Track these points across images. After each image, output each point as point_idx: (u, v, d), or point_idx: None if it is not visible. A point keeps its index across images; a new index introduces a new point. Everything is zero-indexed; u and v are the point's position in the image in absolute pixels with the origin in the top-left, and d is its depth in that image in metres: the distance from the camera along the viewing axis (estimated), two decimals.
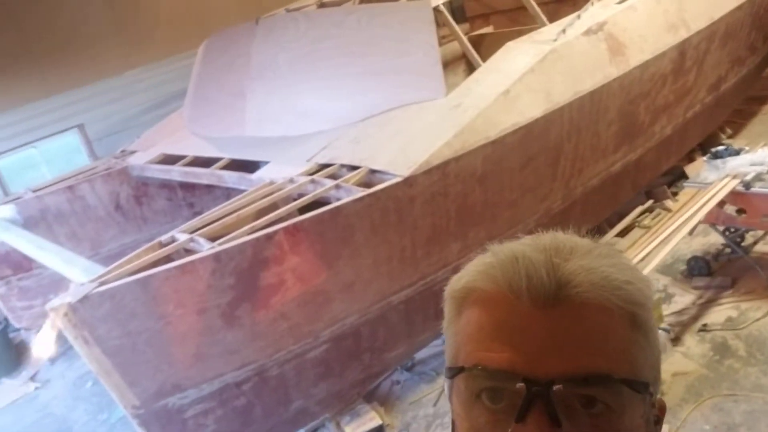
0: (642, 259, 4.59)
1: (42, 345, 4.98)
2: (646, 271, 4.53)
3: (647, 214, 6.14)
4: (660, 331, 3.82)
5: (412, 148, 4.09)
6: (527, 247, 0.76)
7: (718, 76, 6.56)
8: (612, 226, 5.91)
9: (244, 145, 5.01)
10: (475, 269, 0.77)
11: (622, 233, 5.88)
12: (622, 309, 0.71)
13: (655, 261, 4.56)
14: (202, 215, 4.03)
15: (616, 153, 5.42)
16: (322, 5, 5.38)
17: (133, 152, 5.76)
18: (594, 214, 5.58)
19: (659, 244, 4.74)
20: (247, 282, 3.52)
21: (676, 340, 4.43)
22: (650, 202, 6.22)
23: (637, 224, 6.00)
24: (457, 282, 0.80)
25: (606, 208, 5.71)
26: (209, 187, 5.33)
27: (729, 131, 7.41)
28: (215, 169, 4.79)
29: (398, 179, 3.88)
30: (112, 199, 5.47)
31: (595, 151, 5.19)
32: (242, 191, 4.32)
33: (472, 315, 0.75)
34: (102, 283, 3.26)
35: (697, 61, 6.04)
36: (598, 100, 4.99)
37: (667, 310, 4.68)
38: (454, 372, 0.75)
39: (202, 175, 4.90)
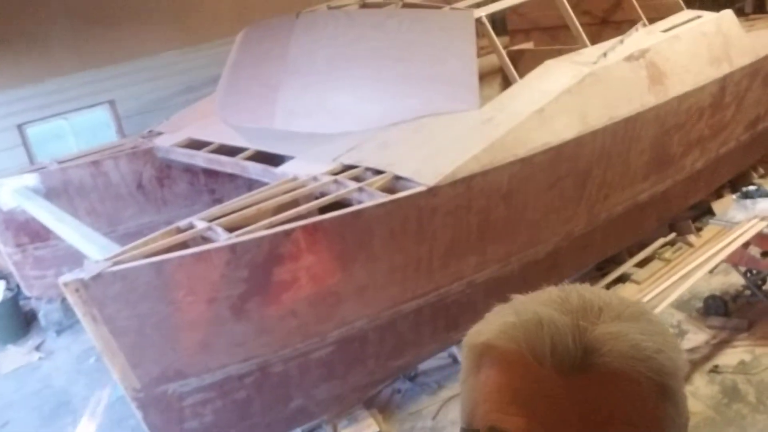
0: (659, 293, 4.52)
1: None
2: (662, 306, 4.45)
3: (669, 246, 6.04)
4: None
5: (439, 158, 4.05)
6: (552, 307, 0.71)
7: (756, 115, 6.44)
8: (632, 255, 5.82)
9: (271, 138, 5.00)
10: (496, 327, 0.73)
11: (641, 263, 5.79)
12: (651, 380, 0.68)
13: (673, 296, 4.48)
14: (222, 204, 4.01)
15: (644, 182, 5.34)
16: (364, 5, 5.35)
17: (160, 133, 5.78)
18: (615, 241, 5.50)
19: (678, 279, 4.67)
20: (260, 276, 3.50)
21: (685, 379, 4.34)
22: (673, 234, 6.12)
23: (657, 256, 5.91)
24: (476, 336, 0.75)
25: (628, 236, 5.62)
26: (232, 176, 5.32)
27: (761, 171, 7.27)
28: (240, 159, 4.78)
29: (422, 188, 3.83)
30: (135, 178, 5.48)
31: (624, 179, 5.11)
32: (265, 184, 4.30)
33: (491, 374, 0.71)
34: (116, 263, 3.25)
35: (737, 97, 5.93)
36: (632, 128, 4.91)
37: None
38: None
39: (227, 164, 4.89)
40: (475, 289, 4.40)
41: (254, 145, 4.89)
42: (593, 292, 0.74)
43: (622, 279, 5.58)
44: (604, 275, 5.58)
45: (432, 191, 3.86)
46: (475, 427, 0.70)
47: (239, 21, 6.43)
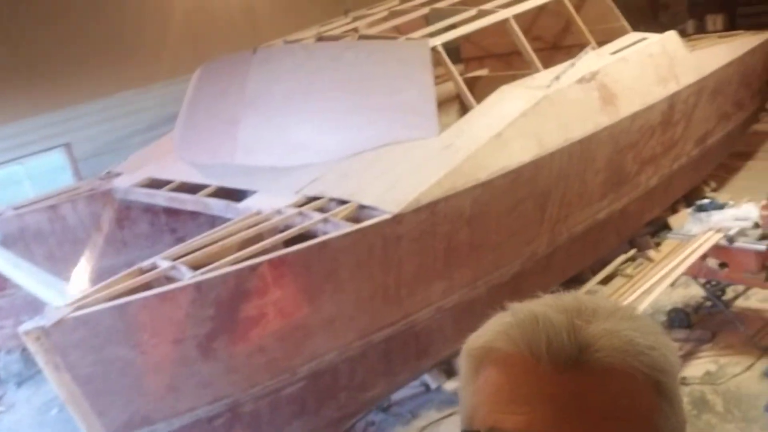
0: None
1: None
2: None
3: (630, 262, 6.17)
4: None
5: (402, 186, 4.08)
6: (548, 307, 0.73)
7: (705, 130, 6.66)
8: (595, 273, 5.92)
9: (232, 173, 4.97)
10: (493, 329, 0.75)
11: (605, 281, 5.89)
12: (645, 375, 0.69)
13: (638, 311, 4.55)
14: (186, 242, 3.96)
15: (602, 201, 5.45)
16: (320, 39, 5.40)
17: (118, 174, 5.70)
18: (578, 260, 5.58)
19: (641, 295, 4.75)
20: (227, 313, 3.45)
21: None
22: (633, 251, 6.25)
23: (619, 273, 6.02)
24: (475, 340, 0.77)
25: (590, 255, 5.72)
26: (194, 214, 5.27)
27: (713, 185, 7.50)
28: (201, 196, 4.74)
29: (387, 216, 3.85)
30: (93, 221, 5.38)
31: (582, 198, 5.21)
32: (228, 219, 4.27)
33: (490, 376, 0.73)
34: (78, 308, 3.17)
35: (685, 114, 6.13)
36: (587, 148, 5.03)
37: None
38: None
39: (188, 201, 4.84)
40: (444, 314, 4.41)
41: (215, 182, 4.86)
42: (587, 297, 0.77)
43: None
44: None
45: (397, 219, 3.88)
46: (475, 429, 0.71)
47: (194, 59, 6.42)
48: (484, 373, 0.73)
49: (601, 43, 5.80)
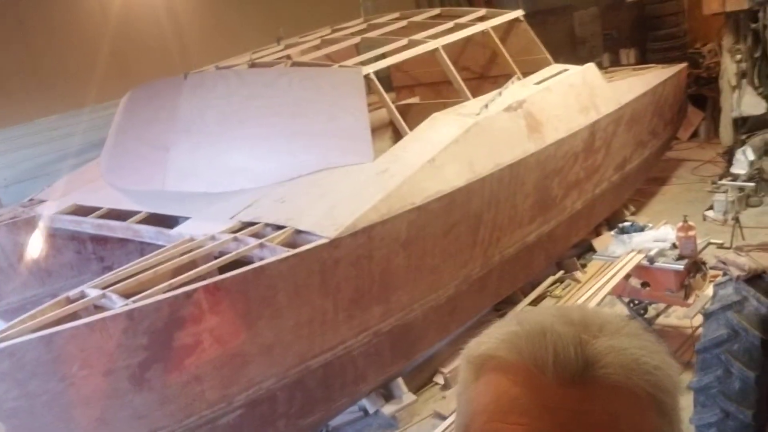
0: None
1: None
2: None
3: (558, 284, 6.37)
4: None
5: (338, 211, 4.10)
6: (555, 319, 0.73)
7: (623, 157, 7.01)
8: (525, 294, 6.08)
9: (163, 200, 4.86)
10: (497, 336, 0.74)
11: (535, 302, 6.05)
12: (650, 395, 0.69)
13: None
14: (116, 270, 3.85)
15: (531, 224, 5.63)
16: (253, 65, 5.40)
17: (42, 201, 5.47)
18: (510, 282, 5.73)
19: None
20: (160, 342, 3.36)
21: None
22: (561, 272, 6.46)
23: (548, 294, 6.21)
24: (476, 347, 0.75)
25: (521, 276, 5.88)
26: (122, 241, 5.11)
27: (632, 208, 7.87)
28: (132, 223, 4.61)
29: (324, 240, 3.86)
30: (16, 250, 5.12)
31: (513, 222, 5.37)
32: (160, 247, 4.16)
33: (489, 384, 0.71)
34: (1, 340, 3.02)
35: (605, 141, 6.43)
36: (516, 173, 5.20)
37: None
38: None
39: (117, 229, 4.70)
40: (381, 338, 4.43)
41: (146, 208, 4.74)
42: (592, 310, 0.77)
43: None
44: (501, 315, 5.77)
45: (334, 243, 3.89)
46: None
47: (122, 84, 6.29)
48: (484, 381, 0.72)
49: (525, 74, 6.04)
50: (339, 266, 3.98)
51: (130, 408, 3.35)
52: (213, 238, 4.05)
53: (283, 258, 3.69)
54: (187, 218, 4.48)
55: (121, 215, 4.78)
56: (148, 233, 4.49)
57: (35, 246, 5.14)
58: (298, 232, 3.97)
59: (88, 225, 4.89)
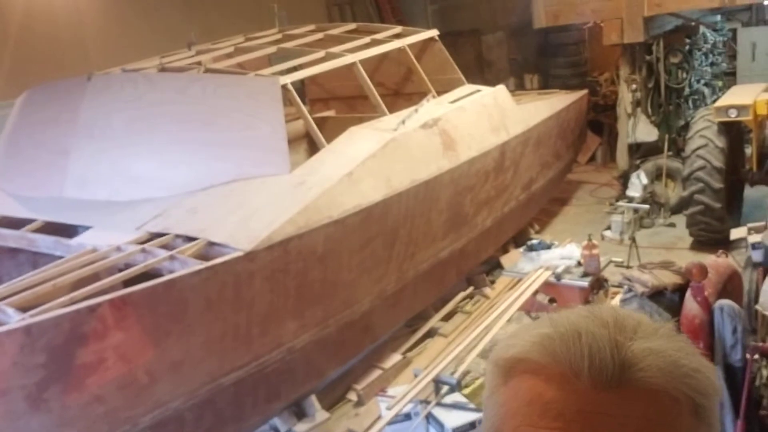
0: (466, 345, 4.79)
1: None
2: (471, 357, 4.71)
3: (468, 300, 6.47)
4: None
5: (254, 223, 3.98)
6: (588, 320, 0.70)
7: (530, 177, 7.25)
8: (437, 310, 6.13)
9: (62, 207, 4.55)
10: (529, 339, 0.71)
11: (446, 317, 6.12)
12: (689, 398, 0.67)
13: (480, 347, 4.78)
14: (9, 282, 3.55)
15: (444, 240, 5.70)
16: (163, 69, 5.18)
17: None
18: (423, 297, 5.76)
19: (482, 331, 4.99)
20: (60, 360, 3.12)
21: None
22: (471, 288, 6.58)
23: (459, 309, 6.29)
24: (505, 350, 0.72)
25: (434, 292, 5.93)
26: (12, 251, 4.72)
27: (537, 227, 8.15)
28: (26, 232, 4.28)
29: (239, 253, 3.73)
30: None
31: (427, 237, 5.41)
32: (58, 257, 3.89)
33: (521, 388, 0.69)
34: None
35: (514, 161, 6.63)
36: (431, 189, 5.25)
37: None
38: None
39: (9, 237, 4.34)
40: (295, 355, 4.32)
41: (42, 216, 4.41)
42: (624, 311, 0.74)
43: (431, 333, 5.84)
44: (414, 331, 5.79)
45: (249, 256, 3.76)
46: None
47: (17, 84, 5.88)
48: (514, 385, 0.70)
49: (439, 93, 6.14)
50: (254, 280, 3.85)
51: (25, 431, 3.08)
52: (118, 249, 3.82)
53: (195, 271, 3.53)
54: (88, 227, 4.21)
55: (15, 223, 4.43)
56: (45, 243, 4.17)
57: None
58: (211, 244, 3.82)
59: None
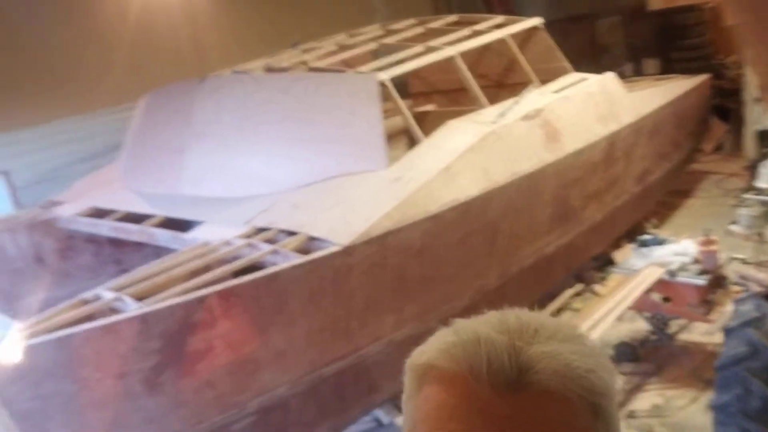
0: None
1: None
2: None
3: (577, 297, 6.29)
4: None
5: (352, 218, 4.07)
6: (491, 327, 0.75)
7: (644, 168, 6.91)
8: (543, 307, 6.00)
9: (179, 204, 4.88)
10: (437, 346, 0.76)
11: (553, 315, 5.98)
12: (583, 399, 0.70)
13: None
14: (131, 273, 3.85)
15: (550, 235, 5.56)
16: (269, 69, 5.41)
17: (60, 203, 5.51)
18: (527, 293, 5.66)
19: (589, 329, 4.84)
20: (173, 346, 3.35)
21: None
22: (580, 285, 6.38)
23: (567, 307, 6.13)
24: (419, 356, 0.78)
25: (539, 288, 5.81)
26: (139, 245, 5.12)
27: (654, 221, 7.75)
28: (147, 226, 4.63)
29: (337, 248, 3.83)
30: (34, 251, 5.17)
31: (530, 232, 5.31)
32: (174, 251, 4.17)
33: (430, 393, 0.74)
34: (15, 340, 3.03)
35: (625, 152, 6.35)
36: (534, 183, 5.15)
37: None
38: None
39: (133, 232, 4.72)
40: (395, 348, 4.38)
41: (162, 212, 4.76)
42: (530, 315, 0.79)
43: None
44: None
45: (347, 250, 3.86)
46: None
47: (139, 87, 6.33)
48: (426, 390, 0.75)
49: (543, 82, 5.99)
50: (352, 274, 3.95)
51: (142, 412, 3.34)
52: (227, 242, 4.04)
53: (295, 264, 3.67)
54: (201, 222, 4.48)
55: (138, 218, 4.80)
56: (163, 237, 4.50)
57: (53, 248, 5.18)
58: (312, 238, 3.95)
59: (105, 227, 4.92)
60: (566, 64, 6.43)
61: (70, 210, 5.28)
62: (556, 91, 5.93)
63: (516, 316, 0.78)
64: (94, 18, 7.72)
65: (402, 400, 0.80)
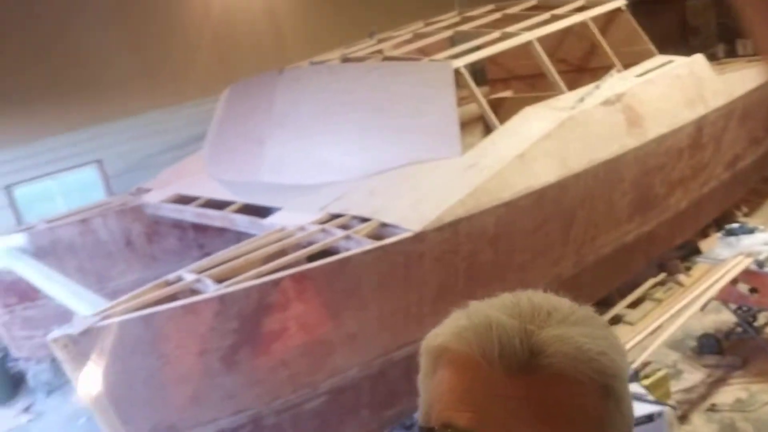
0: (652, 332, 4.52)
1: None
2: (654, 345, 4.45)
3: (659, 286, 6.07)
4: (666, 408, 3.72)
5: (424, 204, 4.10)
6: (503, 310, 0.76)
7: (734, 154, 6.58)
8: (623, 296, 5.84)
9: (258, 191, 5.05)
10: (450, 330, 0.77)
11: (633, 305, 5.81)
12: (594, 381, 0.71)
13: (665, 335, 4.49)
14: (211, 256, 4.03)
15: (630, 223, 5.40)
16: (346, 60, 5.49)
17: (148, 190, 5.82)
18: (605, 282, 5.52)
19: (670, 318, 4.67)
20: (249, 326, 3.49)
21: (683, 418, 4.31)
22: (663, 275, 6.16)
23: (648, 296, 5.93)
24: (433, 339, 0.80)
25: (617, 277, 5.65)
26: (221, 230, 5.35)
27: (745, 209, 7.38)
28: (228, 212, 4.82)
29: (409, 234, 3.87)
30: (124, 235, 5.49)
31: (609, 220, 5.17)
32: (253, 236, 4.33)
33: (444, 375, 0.76)
34: (105, 317, 3.24)
35: (714, 137, 6.07)
36: (613, 170, 5.01)
37: (675, 386, 4.57)
38: None
39: (215, 218, 4.93)
40: None
41: (241, 198, 4.94)
42: (543, 297, 0.79)
43: (615, 320, 5.59)
44: None
45: (419, 237, 3.89)
46: (431, 425, 0.74)
47: (222, 79, 6.56)
48: (440, 372, 0.76)
49: (626, 66, 5.80)
50: (423, 260, 3.98)
51: (220, 388, 3.50)
52: (302, 228, 4.16)
53: (367, 250, 3.74)
54: (279, 209, 4.62)
55: (219, 205, 5.01)
56: (242, 222, 4.67)
57: (141, 232, 5.48)
58: (384, 224, 4.01)
59: (189, 213, 5.15)
60: (651, 46, 6.19)
61: (156, 197, 5.57)
62: (640, 75, 5.73)
63: (529, 299, 0.78)
64: (182, 16, 8.06)
65: (418, 381, 0.82)
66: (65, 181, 7.43)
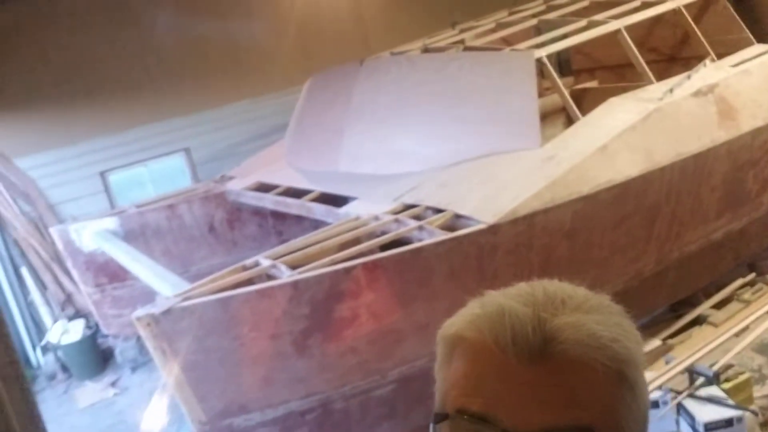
0: (737, 334, 4.31)
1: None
2: (738, 348, 4.24)
3: (748, 287, 5.76)
4: (748, 413, 3.53)
5: (499, 196, 4.05)
6: (517, 299, 0.77)
7: None
8: (708, 296, 5.58)
9: (336, 180, 5.13)
10: (464, 319, 0.80)
11: (719, 305, 5.54)
12: (607, 367, 0.72)
13: (750, 337, 4.27)
14: (287, 243, 4.13)
15: (719, 220, 5.15)
16: (426, 50, 5.48)
17: (231, 178, 6.02)
18: (689, 281, 5.29)
19: (757, 320, 4.44)
20: (321, 312, 3.56)
21: (765, 425, 4.09)
22: (752, 275, 5.84)
23: (736, 297, 5.64)
24: (449, 327, 0.82)
25: (703, 276, 5.40)
26: (299, 218, 5.47)
27: None
28: (305, 201, 4.92)
29: (482, 226, 3.83)
30: (207, 221, 5.70)
31: (695, 216, 4.95)
32: (329, 224, 4.40)
33: (459, 363, 0.77)
34: (186, 299, 3.38)
35: None
36: (702, 164, 4.78)
37: (758, 391, 4.33)
38: (439, 418, 0.77)
39: (293, 206, 5.04)
40: None
41: (319, 187, 5.03)
42: (558, 286, 0.80)
43: (699, 321, 5.35)
44: (679, 317, 5.36)
45: (492, 229, 3.85)
46: (446, 411, 0.76)
47: (305, 70, 6.69)
48: (455, 360, 0.78)
49: (721, 56, 5.51)
50: (497, 253, 3.94)
51: (291, 371, 3.59)
52: (376, 217, 4.20)
53: (440, 241, 3.73)
54: (354, 198, 4.68)
55: (298, 193, 5.12)
56: (319, 211, 4.76)
57: (223, 218, 5.68)
58: (457, 216, 3.98)
59: (268, 201, 5.29)
60: (748, 35, 5.85)
61: (239, 184, 5.75)
62: (735, 65, 5.43)
63: (544, 287, 0.79)
64: (266, 7, 8.25)
65: (434, 370, 0.83)
66: (155, 167, 7.79)
